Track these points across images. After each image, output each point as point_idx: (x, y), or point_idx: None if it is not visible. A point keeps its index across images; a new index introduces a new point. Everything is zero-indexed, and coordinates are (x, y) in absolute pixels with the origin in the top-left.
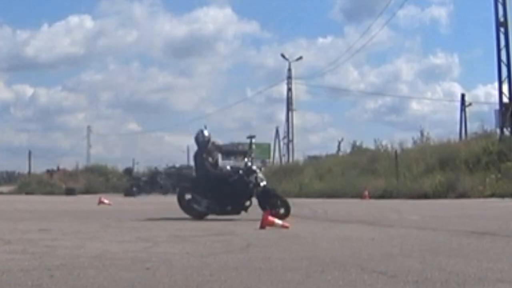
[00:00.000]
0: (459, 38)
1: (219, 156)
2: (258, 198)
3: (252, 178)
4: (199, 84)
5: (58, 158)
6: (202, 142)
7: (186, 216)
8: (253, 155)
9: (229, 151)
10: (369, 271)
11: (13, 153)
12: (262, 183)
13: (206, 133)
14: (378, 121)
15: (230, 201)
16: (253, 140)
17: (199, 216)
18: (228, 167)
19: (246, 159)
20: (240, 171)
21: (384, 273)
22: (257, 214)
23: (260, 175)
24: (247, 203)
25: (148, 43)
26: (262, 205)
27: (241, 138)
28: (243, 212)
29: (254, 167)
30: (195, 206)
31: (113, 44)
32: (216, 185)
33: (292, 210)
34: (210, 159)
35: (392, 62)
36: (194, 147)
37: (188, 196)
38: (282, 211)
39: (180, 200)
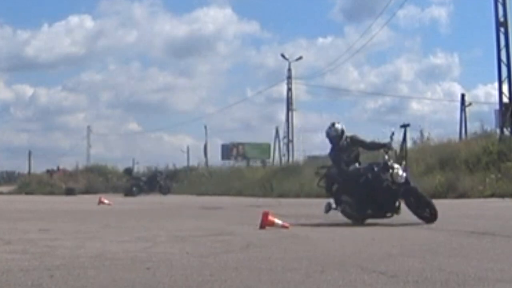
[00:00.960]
0: (459, 38)
1: (358, 151)
2: (402, 198)
3: (387, 176)
4: (199, 84)
5: (58, 158)
6: (334, 138)
7: (186, 216)
8: (393, 147)
9: (371, 145)
10: (369, 271)
11: (13, 153)
12: (400, 181)
13: (337, 126)
14: (378, 121)
15: (369, 203)
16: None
17: (356, 220)
18: (357, 165)
19: (385, 154)
20: (375, 168)
21: (384, 273)
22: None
23: (399, 171)
24: (396, 203)
25: (148, 43)
26: (408, 205)
27: (242, 138)
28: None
29: (390, 163)
30: (344, 207)
31: (113, 44)
32: (352, 185)
33: (293, 210)
34: (345, 156)
35: (392, 62)
36: (193, 147)
37: (343, 198)
38: (427, 213)
39: (337, 202)
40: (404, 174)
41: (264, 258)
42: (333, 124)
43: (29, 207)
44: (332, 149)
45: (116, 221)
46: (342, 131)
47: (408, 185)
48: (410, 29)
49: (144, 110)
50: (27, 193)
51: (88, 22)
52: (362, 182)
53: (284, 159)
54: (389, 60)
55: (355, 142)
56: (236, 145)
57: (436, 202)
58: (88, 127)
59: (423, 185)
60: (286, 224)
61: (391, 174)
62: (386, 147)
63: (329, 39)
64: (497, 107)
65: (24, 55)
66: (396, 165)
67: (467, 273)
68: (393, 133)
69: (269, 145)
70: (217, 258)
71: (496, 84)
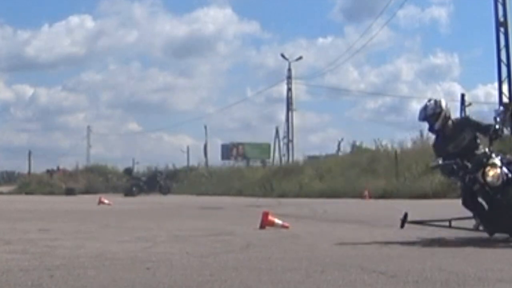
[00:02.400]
0: (459, 38)
1: (475, 139)
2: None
3: (478, 175)
4: (199, 84)
5: (58, 158)
6: (430, 117)
7: (186, 216)
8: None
9: (483, 129)
10: (369, 271)
11: (13, 153)
12: (495, 184)
13: (431, 103)
14: (378, 121)
15: (473, 212)
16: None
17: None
18: (440, 160)
19: (489, 143)
20: (469, 164)
21: (384, 273)
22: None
23: (494, 170)
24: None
25: (148, 43)
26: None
27: (242, 138)
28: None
29: (484, 157)
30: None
31: (113, 44)
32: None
33: (293, 210)
34: (451, 147)
35: (392, 62)
36: (193, 147)
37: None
38: None
39: None
40: (506, 174)
41: (264, 258)
42: (428, 101)
43: (29, 207)
44: (436, 138)
45: (116, 221)
46: (440, 110)
47: (506, 190)
48: (410, 29)
49: (144, 110)
50: (27, 193)
51: (88, 22)
52: (465, 185)
53: (284, 159)
54: (389, 60)
55: (463, 125)
56: (236, 145)
57: (437, 202)
58: (88, 127)
59: (423, 185)
60: (286, 224)
61: (483, 173)
62: (490, 132)
63: (329, 39)
64: (497, 107)
65: (24, 55)
66: (494, 160)
67: (467, 273)
68: (503, 110)
69: (269, 145)
70: (217, 258)
71: (496, 84)
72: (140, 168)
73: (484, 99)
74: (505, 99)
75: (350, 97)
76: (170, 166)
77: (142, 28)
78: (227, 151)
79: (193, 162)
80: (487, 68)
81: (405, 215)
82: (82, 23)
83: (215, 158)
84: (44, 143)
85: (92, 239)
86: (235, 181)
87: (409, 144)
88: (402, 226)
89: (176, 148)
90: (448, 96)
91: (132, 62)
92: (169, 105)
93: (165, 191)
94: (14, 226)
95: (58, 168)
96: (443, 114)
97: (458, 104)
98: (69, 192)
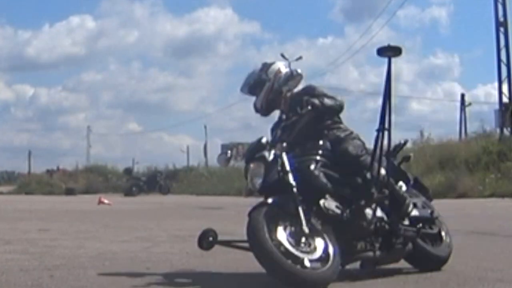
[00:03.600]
0: (459, 38)
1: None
2: None
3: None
4: (199, 84)
5: (58, 158)
6: (253, 90)
7: (186, 216)
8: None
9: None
10: (368, 271)
11: (13, 153)
12: (254, 186)
13: (260, 68)
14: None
15: None
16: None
17: None
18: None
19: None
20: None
21: (384, 273)
22: None
23: (257, 166)
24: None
25: (149, 43)
26: None
27: (242, 138)
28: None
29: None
30: None
31: (114, 44)
32: None
33: None
34: (285, 135)
35: (392, 62)
36: (193, 147)
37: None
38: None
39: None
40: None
41: None
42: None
43: (29, 207)
44: (277, 120)
45: (116, 221)
46: (262, 78)
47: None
48: (410, 29)
49: (144, 110)
50: (27, 193)
51: (89, 22)
52: None
53: None
54: None
55: (299, 101)
56: (236, 145)
57: (436, 202)
58: (88, 127)
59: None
60: None
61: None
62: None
63: (329, 39)
64: (497, 107)
65: (25, 55)
66: (263, 153)
67: (467, 273)
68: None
69: None
70: (217, 258)
71: (496, 84)
72: (140, 168)
73: (484, 99)
74: (505, 99)
75: (350, 97)
76: (170, 166)
77: (142, 28)
78: (227, 151)
79: (193, 162)
80: (487, 68)
81: (207, 232)
82: (83, 23)
83: (215, 158)
84: (44, 143)
85: (92, 239)
86: (235, 181)
87: (409, 144)
88: (201, 245)
89: (176, 148)
90: (448, 96)
91: (132, 62)
92: (169, 105)
93: (165, 191)
94: (14, 226)
95: (58, 168)
96: (268, 86)
97: (458, 104)
98: (69, 192)
